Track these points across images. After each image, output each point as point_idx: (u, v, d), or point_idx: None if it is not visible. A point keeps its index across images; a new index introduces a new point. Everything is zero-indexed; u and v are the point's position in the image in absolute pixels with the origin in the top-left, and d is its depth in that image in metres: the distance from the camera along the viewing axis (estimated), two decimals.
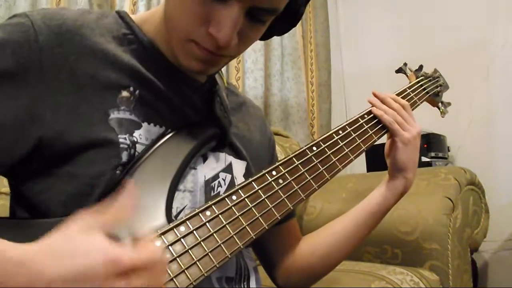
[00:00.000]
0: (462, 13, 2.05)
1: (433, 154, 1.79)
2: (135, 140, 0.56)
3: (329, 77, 2.30)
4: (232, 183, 0.65)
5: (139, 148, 0.56)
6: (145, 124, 0.57)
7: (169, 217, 0.53)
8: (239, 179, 0.67)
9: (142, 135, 0.56)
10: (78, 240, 0.36)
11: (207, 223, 0.52)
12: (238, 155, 0.69)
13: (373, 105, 0.78)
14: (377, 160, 1.73)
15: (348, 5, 2.51)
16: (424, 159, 1.77)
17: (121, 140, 0.54)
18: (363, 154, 1.89)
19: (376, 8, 2.35)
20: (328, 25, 2.35)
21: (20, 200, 0.56)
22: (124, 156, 0.54)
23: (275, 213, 0.57)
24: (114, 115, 0.55)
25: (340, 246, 0.76)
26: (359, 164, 1.87)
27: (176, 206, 0.57)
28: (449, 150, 1.91)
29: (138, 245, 0.38)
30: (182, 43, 0.55)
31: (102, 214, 0.38)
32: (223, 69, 0.81)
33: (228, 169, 0.65)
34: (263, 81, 1.93)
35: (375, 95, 0.78)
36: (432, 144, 1.80)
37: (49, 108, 0.51)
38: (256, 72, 1.92)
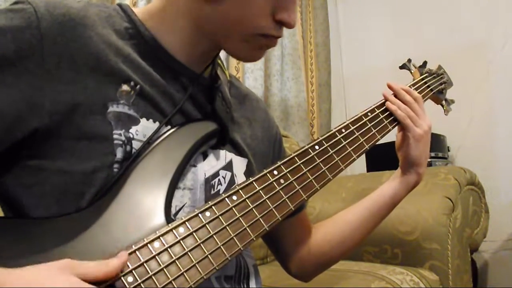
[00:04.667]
0: (462, 13, 2.05)
1: (433, 154, 1.79)
2: (131, 136, 0.55)
3: (329, 77, 2.29)
4: (232, 181, 0.64)
5: (135, 144, 0.55)
6: (143, 120, 0.57)
7: (168, 216, 0.52)
8: (239, 176, 0.66)
9: (139, 131, 0.56)
10: (54, 274, 0.39)
11: (206, 225, 0.51)
12: (239, 152, 0.68)
13: (386, 99, 0.78)
14: (377, 160, 1.74)
15: (348, 5, 2.50)
16: None
17: (115, 136, 0.54)
18: (363, 154, 1.89)
19: (376, 8, 2.35)
20: (328, 25, 2.34)
21: (4, 198, 0.54)
22: (119, 153, 0.53)
23: (276, 214, 0.56)
24: (113, 108, 0.54)
25: (354, 235, 0.79)
26: (359, 164, 1.86)
27: (175, 204, 0.57)
28: (449, 150, 1.91)
29: None
30: (248, 38, 0.58)
31: (88, 267, 0.42)
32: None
33: (228, 166, 0.65)
34: (263, 81, 1.93)
35: (389, 87, 0.79)
36: (432, 144, 1.78)
37: (48, 97, 0.51)
38: (256, 72, 1.92)
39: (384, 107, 0.77)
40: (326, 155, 0.65)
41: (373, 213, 0.78)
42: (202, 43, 0.61)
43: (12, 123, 0.49)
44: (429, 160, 1.77)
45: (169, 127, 0.58)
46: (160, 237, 0.48)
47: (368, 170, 1.86)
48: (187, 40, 0.60)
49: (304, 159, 0.63)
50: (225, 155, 0.65)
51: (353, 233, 0.79)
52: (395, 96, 0.79)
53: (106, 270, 0.43)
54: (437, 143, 1.83)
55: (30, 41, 0.50)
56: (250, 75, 1.91)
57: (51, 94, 0.51)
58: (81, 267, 0.41)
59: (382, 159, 1.55)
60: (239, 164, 0.67)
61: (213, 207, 0.52)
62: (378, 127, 0.74)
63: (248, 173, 0.68)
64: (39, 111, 0.50)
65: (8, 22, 0.50)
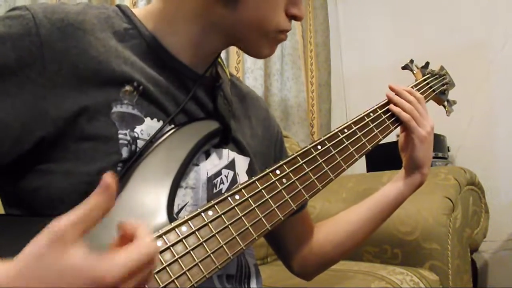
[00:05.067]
0: (462, 13, 2.05)
1: (433, 154, 1.78)
2: (136, 135, 0.55)
3: (329, 77, 2.29)
4: (234, 180, 0.64)
5: (141, 144, 0.55)
6: (147, 119, 0.57)
7: (170, 215, 0.52)
8: (242, 175, 0.66)
9: (144, 130, 0.56)
10: (51, 260, 0.32)
11: (209, 223, 0.51)
12: (242, 151, 0.68)
13: (389, 99, 0.78)
14: (377, 160, 1.74)
15: (348, 5, 2.50)
16: None
17: (120, 136, 0.54)
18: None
19: (376, 8, 2.35)
20: (328, 25, 2.34)
21: (12, 200, 0.55)
22: (125, 152, 0.54)
23: (278, 213, 0.56)
24: (117, 109, 0.54)
25: (356, 234, 0.79)
26: (359, 164, 1.86)
27: (177, 203, 0.57)
28: (449, 150, 1.91)
29: (123, 250, 0.34)
30: (267, 36, 0.61)
31: (75, 218, 0.33)
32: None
33: (231, 165, 0.65)
34: (262, 81, 1.93)
35: (391, 89, 0.79)
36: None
37: (52, 104, 0.51)
38: (256, 72, 1.91)
39: (386, 107, 0.77)
40: (328, 155, 0.65)
41: (376, 213, 0.78)
42: (210, 43, 0.62)
43: (19, 135, 0.49)
44: None
45: (172, 126, 0.58)
46: (163, 236, 0.48)
47: (368, 170, 1.86)
48: (192, 41, 0.61)
49: (306, 159, 0.63)
50: (228, 154, 0.65)
51: (355, 233, 0.79)
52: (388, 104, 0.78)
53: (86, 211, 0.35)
54: (437, 143, 1.83)
55: (30, 49, 0.50)
56: (250, 75, 1.91)
57: (54, 101, 0.51)
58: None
59: (382, 159, 1.55)
60: (242, 163, 0.68)
61: (215, 206, 0.53)
62: (381, 128, 0.74)
63: (251, 172, 0.68)
64: (44, 119, 0.50)
65: (6, 30, 0.50)
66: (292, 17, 0.62)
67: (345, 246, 0.79)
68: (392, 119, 0.77)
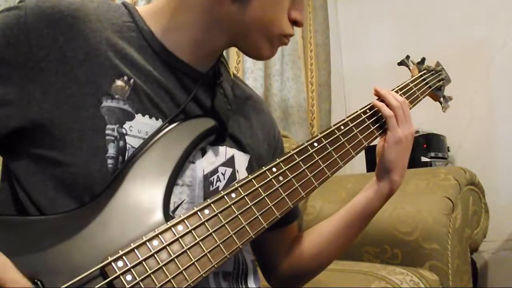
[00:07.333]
0: (462, 13, 2.05)
1: (432, 154, 1.78)
2: (124, 131, 0.55)
3: (328, 77, 2.29)
4: (233, 177, 0.64)
5: (129, 140, 0.55)
6: (138, 116, 0.57)
7: (166, 213, 0.52)
8: (241, 172, 0.66)
9: (133, 127, 0.56)
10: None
11: (205, 222, 0.51)
12: (241, 148, 0.68)
13: (375, 104, 0.75)
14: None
15: (348, 5, 2.50)
16: (423, 159, 1.77)
17: (108, 131, 0.54)
18: (363, 154, 1.90)
19: (376, 8, 2.35)
20: (328, 25, 2.34)
21: (11, 182, 0.55)
22: (111, 148, 0.53)
23: (275, 211, 0.56)
24: (107, 103, 0.54)
25: (328, 248, 0.76)
26: (359, 164, 1.86)
27: (173, 200, 0.57)
28: (449, 150, 1.91)
29: None
30: (275, 39, 0.62)
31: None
32: None
33: (229, 162, 0.65)
34: (262, 81, 1.93)
35: (376, 92, 0.77)
36: (432, 144, 1.80)
37: (39, 86, 0.52)
38: (256, 72, 1.91)
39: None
40: (325, 152, 0.65)
41: (347, 224, 0.74)
42: (211, 41, 0.61)
43: (4, 114, 0.51)
44: (429, 160, 1.77)
45: (167, 123, 0.58)
46: (159, 235, 0.48)
47: (368, 170, 1.86)
48: (194, 37, 0.60)
49: (303, 156, 0.62)
50: (225, 151, 0.65)
51: (328, 246, 0.75)
52: (382, 101, 0.76)
53: None
54: (437, 143, 1.83)
55: (18, 36, 0.52)
56: (250, 75, 1.91)
57: (41, 84, 0.52)
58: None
59: None
60: (242, 159, 0.67)
61: (212, 204, 0.52)
62: (377, 125, 0.74)
63: (250, 169, 0.68)
64: (31, 100, 0.52)
65: (1, 21, 0.53)
66: (293, 22, 0.63)
67: (317, 259, 0.76)
68: None
